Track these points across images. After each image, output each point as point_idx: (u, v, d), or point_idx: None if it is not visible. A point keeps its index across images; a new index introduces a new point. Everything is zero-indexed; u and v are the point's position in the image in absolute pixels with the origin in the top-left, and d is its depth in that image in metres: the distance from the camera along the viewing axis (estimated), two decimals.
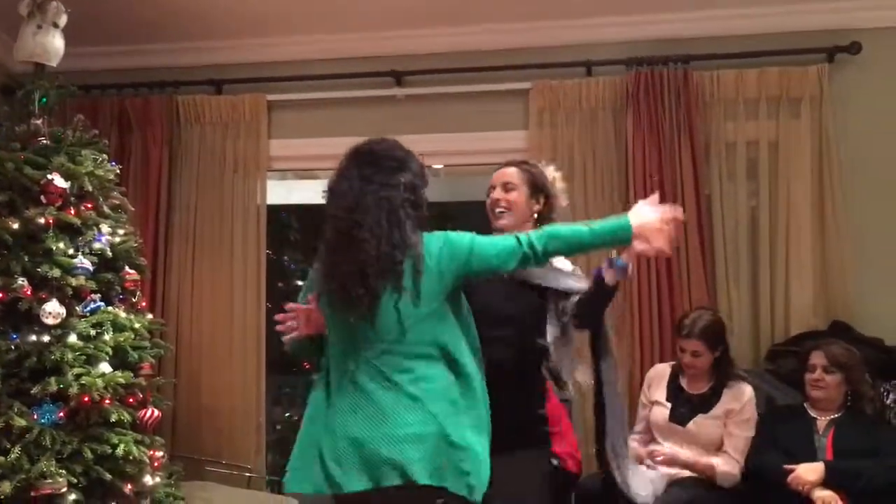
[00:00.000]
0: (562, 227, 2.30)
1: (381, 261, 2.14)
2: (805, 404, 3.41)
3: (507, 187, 2.71)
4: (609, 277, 2.45)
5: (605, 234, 2.26)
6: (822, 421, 3.34)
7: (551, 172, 2.83)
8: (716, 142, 4.07)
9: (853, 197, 3.95)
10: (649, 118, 4.03)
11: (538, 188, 2.73)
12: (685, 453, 3.37)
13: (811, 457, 3.23)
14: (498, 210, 2.70)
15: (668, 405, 3.48)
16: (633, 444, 3.52)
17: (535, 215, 2.71)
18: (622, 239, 2.28)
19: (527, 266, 2.29)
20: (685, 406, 3.45)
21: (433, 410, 2.12)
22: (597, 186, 4.12)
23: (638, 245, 2.27)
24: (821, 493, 3.11)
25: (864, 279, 3.90)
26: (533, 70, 4.19)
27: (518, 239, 2.24)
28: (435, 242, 2.22)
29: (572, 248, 2.30)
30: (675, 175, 4.00)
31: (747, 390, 3.43)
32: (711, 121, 4.08)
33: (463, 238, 2.25)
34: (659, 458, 3.36)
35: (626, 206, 4.02)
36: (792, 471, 3.17)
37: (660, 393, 3.53)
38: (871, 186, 3.97)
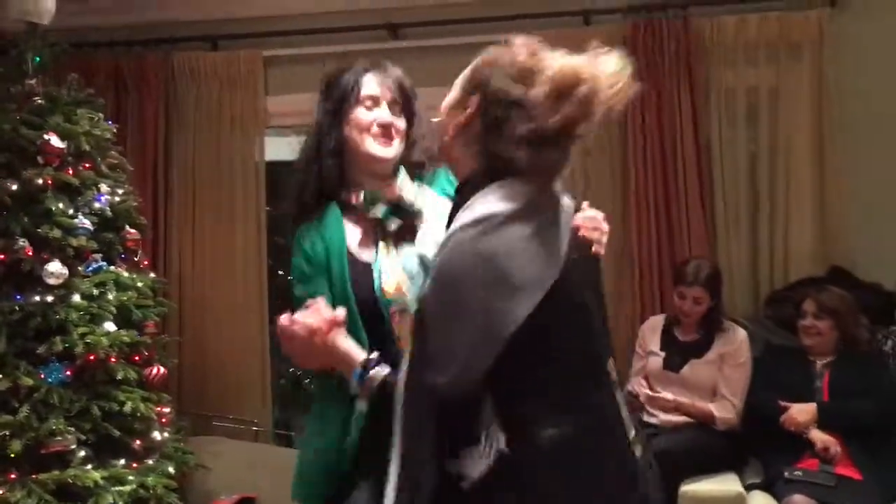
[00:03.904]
0: None
1: None
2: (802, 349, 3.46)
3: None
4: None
5: None
6: (819, 364, 3.39)
7: None
8: (715, 89, 4.03)
9: (853, 143, 3.93)
10: (648, 67, 3.97)
11: None
12: (684, 399, 3.44)
13: (808, 398, 3.30)
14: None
15: (662, 354, 3.58)
16: (636, 388, 3.60)
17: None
18: None
19: None
20: (678, 353, 3.54)
21: None
22: (594, 138, 4.08)
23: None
24: (821, 437, 3.17)
25: (863, 225, 3.90)
26: (530, 20, 4.13)
27: None
28: None
29: None
30: (674, 123, 3.97)
31: (741, 333, 3.52)
32: (711, 68, 4.03)
33: None
34: (671, 404, 3.43)
35: (624, 159, 4.06)
36: (787, 407, 3.24)
37: (654, 343, 3.62)
38: (871, 132, 3.93)
